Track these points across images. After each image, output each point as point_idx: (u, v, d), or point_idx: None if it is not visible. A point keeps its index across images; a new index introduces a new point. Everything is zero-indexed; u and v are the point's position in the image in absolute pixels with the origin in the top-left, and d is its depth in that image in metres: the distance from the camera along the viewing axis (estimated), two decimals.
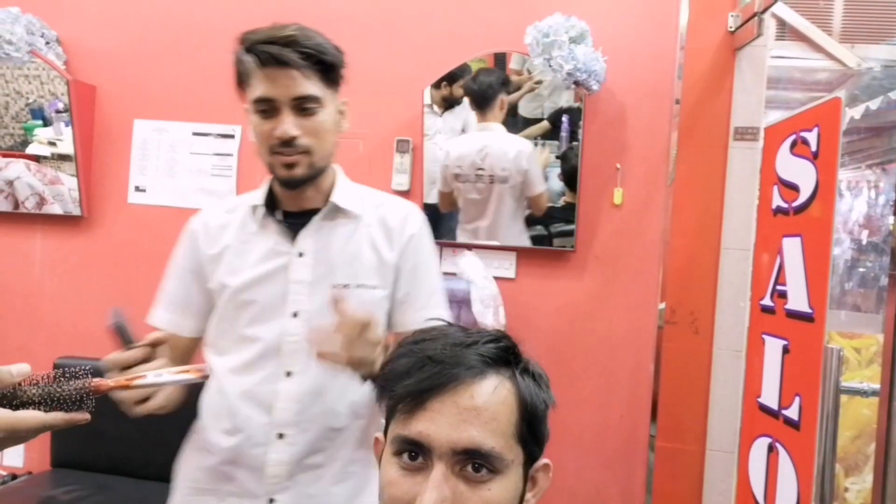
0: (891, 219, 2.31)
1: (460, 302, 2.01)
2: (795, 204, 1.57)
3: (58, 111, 2.37)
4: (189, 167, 2.38)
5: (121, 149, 2.42)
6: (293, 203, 1.27)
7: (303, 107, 1.17)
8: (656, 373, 2.10)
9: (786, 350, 1.58)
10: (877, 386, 1.31)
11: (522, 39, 2.05)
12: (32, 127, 2.39)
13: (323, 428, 1.23)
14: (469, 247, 2.19)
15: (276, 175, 1.22)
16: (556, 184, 2.17)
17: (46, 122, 2.39)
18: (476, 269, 2.03)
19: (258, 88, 1.16)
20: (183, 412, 1.27)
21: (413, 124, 2.22)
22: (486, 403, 0.71)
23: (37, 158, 2.41)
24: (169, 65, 2.38)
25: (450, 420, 0.69)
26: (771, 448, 1.60)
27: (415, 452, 0.71)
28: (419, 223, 1.34)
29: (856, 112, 2.69)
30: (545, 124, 2.16)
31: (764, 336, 1.68)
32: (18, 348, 2.47)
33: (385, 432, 0.77)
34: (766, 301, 1.68)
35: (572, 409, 2.17)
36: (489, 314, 1.93)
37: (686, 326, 2.08)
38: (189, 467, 1.29)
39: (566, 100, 2.13)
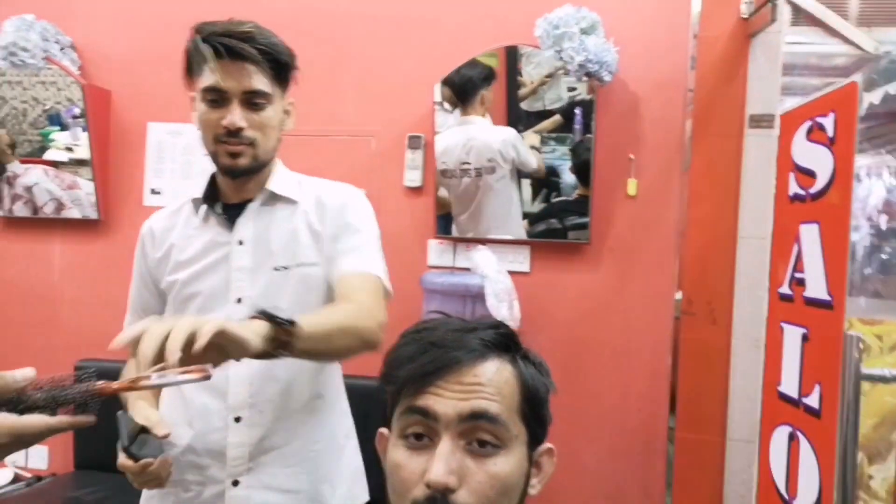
0: None
1: (475, 297, 2.01)
2: (812, 190, 1.55)
3: (74, 117, 2.40)
4: (204, 169, 2.37)
5: (136, 152, 2.45)
6: (235, 195, 1.30)
7: (252, 101, 1.20)
8: (674, 364, 2.09)
9: (805, 338, 1.56)
10: None
11: (532, 32, 2.05)
12: (50, 133, 2.42)
13: (280, 408, 1.25)
14: (483, 241, 2.19)
15: (218, 164, 1.25)
16: (569, 177, 2.16)
17: (64, 128, 2.42)
18: (490, 264, 2.02)
19: (210, 78, 1.19)
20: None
21: (424, 120, 2.22)
22: (490, 380, 0.73)
23: (55, 164, 2.44)
24: (181, 68, 2.39)
25: (455, 395, 0.72)
26: (792, 437, 1.59)
27: (420, 433, 0.72)
28: (352, 195, 1.34)
29: (874, 97, 2.65)
30: (558, 118, 2.15)
31: (783, 324, 1.66)
32: (39, 352, 2.51)
33: (389, 426, 0.78)
34: (785, 289, 1.66)
35: (590, 402, 2.16)
36: (504, 308, 1.93)
37: (704, 317, 2.06)
38: None
39: (564, 93, 2.12)
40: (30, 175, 2.44)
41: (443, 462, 0.68)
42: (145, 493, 1.33)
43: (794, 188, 1.64)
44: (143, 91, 2.43)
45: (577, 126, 2.14)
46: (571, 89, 2.13)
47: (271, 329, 0.96)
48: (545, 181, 2.18)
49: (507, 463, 0.72)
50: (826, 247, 1.48)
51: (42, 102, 2.41)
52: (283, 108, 1.28)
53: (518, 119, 2.17)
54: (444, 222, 2.25)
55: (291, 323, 0.98)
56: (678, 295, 2.08)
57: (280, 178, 1.32)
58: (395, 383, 0.75)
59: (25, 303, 2.54)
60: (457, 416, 0.71)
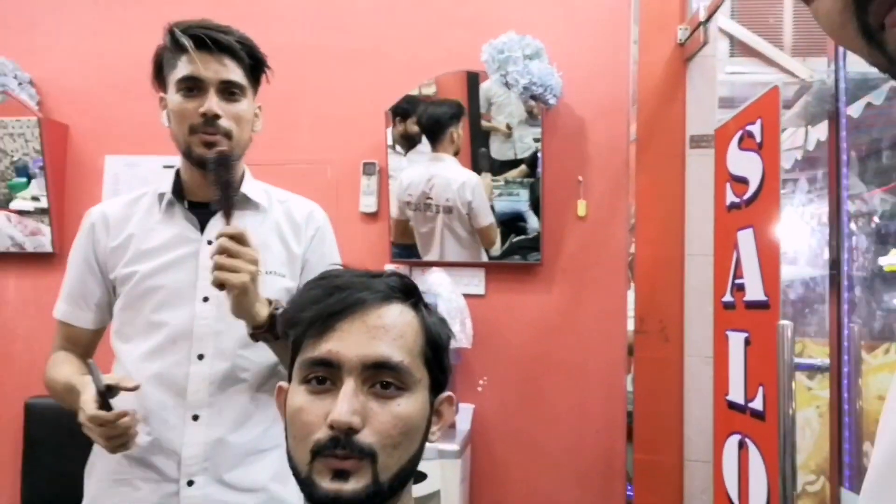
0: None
1: None
2: (746, 197, 1.59)
3: (41, 167, 2.41)
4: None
5: (93, 184, 2.45)
6: (201, 193, 1.28)
7: (229, 90, 1.22)
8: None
9: (747, 342, 1.57)
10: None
11: (479, 58, 2.11)
12: (17, 185, 2.42)
13: (239, 410, 1.24)
14: (439, 264, 2.20)
15: (192, 156, 1.23)
16: (534, 221, 2.19)
17: (30, 178, 2.42)
18: (443, 284, 2.04)
19: (187, 68, 1.20)
20: None
21: (378, 147, 2.26)
22: (394, 323, 0.74)
23: (20, 213, 2.43)
24: (138, 100, 2.42)
25: (359, 338, 0.72)
26: (741, 444, 1.58)
27: (323, 377, 0.72)
28: (323, 219, 1.38)
29: (820, 133, 2.73)
30: (523, 168, 2.20)
31: (728, 332, 1.67)
32: None
33: (290, 376, 0.77)
34: (727, 297, 1.68)
35: (546, 426, 2.14)
36: (455, 325, 1.93)
37: (656, 335, 2.07)
38: (103, 461, 1.26)
39: (531, 143, 2.16)
40: None
41: (346, 402, 0.68)
42: (92, 491, 1.27)
43: (730, 197, 1.68)
44: (101, 124, 2.46)
45: (541, 170, 2.18)
46: (537, 140, 2.18)
47: (265, 321, 1.13)
48: (512, 226, 2.21)
49: (409, 404, 0.72)
50: (760, 249, 1.51)
51: (10, 154, 2.42)
52: (254, 108, 1.29)
53: (489, 166, 2.20)
54: (403, 248, 2.27)
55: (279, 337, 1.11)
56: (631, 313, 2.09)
57: (251, 184, 1.34)
58: (300, 325, 0.75)
59: None
60: (360, 363, 0.71)
